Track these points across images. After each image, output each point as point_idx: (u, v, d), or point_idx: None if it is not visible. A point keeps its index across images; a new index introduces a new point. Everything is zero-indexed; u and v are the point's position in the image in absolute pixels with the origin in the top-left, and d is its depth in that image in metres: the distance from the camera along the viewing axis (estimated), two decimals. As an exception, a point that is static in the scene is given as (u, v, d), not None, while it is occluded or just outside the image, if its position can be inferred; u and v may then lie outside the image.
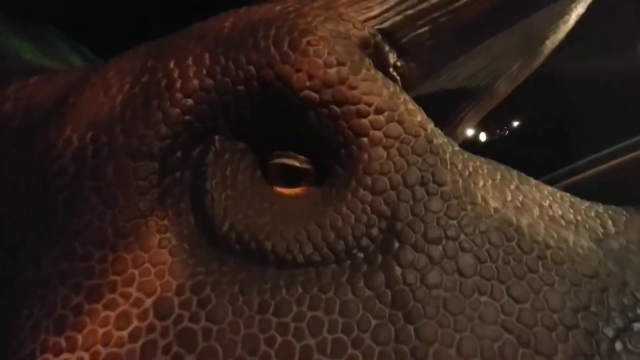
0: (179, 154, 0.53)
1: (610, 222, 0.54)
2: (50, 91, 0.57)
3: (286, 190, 0.56)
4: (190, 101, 0.53)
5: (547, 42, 0.93)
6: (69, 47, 1.09)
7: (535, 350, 0.42)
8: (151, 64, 0.56)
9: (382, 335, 0.43)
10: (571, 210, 0.54)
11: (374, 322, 0.44)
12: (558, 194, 0.57)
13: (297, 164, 0.55)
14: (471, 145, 0.71)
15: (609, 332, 0.43)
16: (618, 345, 0.43)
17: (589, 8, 0.91)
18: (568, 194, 0.58)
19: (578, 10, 0.88)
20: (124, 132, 0.52)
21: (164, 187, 0.52)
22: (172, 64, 0.55)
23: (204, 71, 0.53)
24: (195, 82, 0.53)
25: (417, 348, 0.42)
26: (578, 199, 0.58)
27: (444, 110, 0.96)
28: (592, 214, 0.55)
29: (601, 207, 0.57)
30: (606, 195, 0.61)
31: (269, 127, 0.56)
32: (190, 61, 0.54)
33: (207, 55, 0.54)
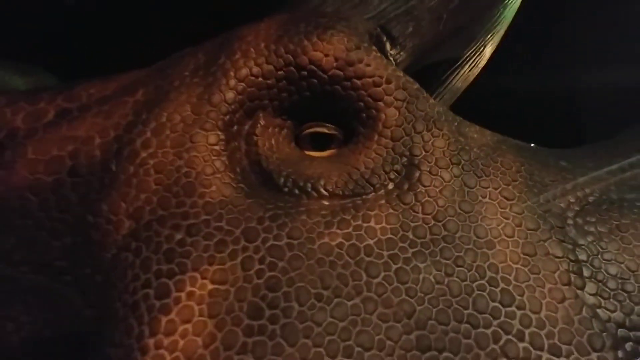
0: (235, 127, 0.67)
1: (558, 152, 0.75)
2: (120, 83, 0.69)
3: (318, 154, 0.71)
4: (242, 85, 0.67)
5: (488, 46, 1.18)
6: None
7: (526, 228, 0.59)
8: (203, 60, 0.70)
9: (420, 232, 0.59)
10: (532, 144, 0.74)
11: (412, 224, 0.59)
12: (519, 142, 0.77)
13: (326, 130, 0.71)
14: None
15: (571, 213, 0.62)
16: (579, 220, 0.61)
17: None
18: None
19: (508, 19, 1.15)
20: (193, 111, 0.65)
21: (229, 151, 0.65)
22: (222, 58, 0.69)
23: (252, 61, 0.68)
24: (245, 70, 0.67)
25: (447, 236, 0.58)
26: None
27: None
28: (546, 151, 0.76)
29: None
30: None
31: (301, 103, 0.71)
32: (238, 54, 0.69)
33: (252, 49, 0.69)
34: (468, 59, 1.18)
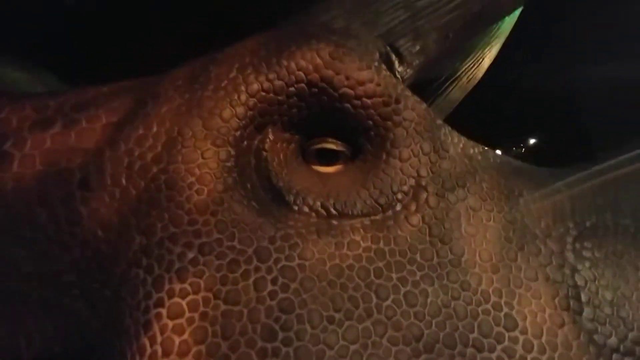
0: (245, 142, 0.67)
1: (558, 172, 0.77)
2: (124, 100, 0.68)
3: (324, 169, 0.72)
4: (253, 100, 0.67)
5: (486, 58, 1.20)
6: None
7: (529, 252, 0.62)
8: (215, 73, 0.70)
9: (428, 254, 0.60)
10: (533, 139, 0.76)
11: (420, 246, 0.61)
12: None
13: (334, 147, 0.72)
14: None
15: (570, 238, 0.65)
16: (577, 245, 0.64)
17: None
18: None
19: (506, 31, 1.17)
20: (205, 126, 0.65)
21: (239, 167, 0.65)
22: (234, 72, 0.69)
23: (263, 77, 0.68)
24: (257, 85, 0.67)
25: (453, 260, 0.60)
26: None
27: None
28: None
29: None
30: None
31: (310, 118, 0.71)
32: (250, 69, 0.68)
33: (263, 64, 0.68)
34: (466, 70, 1.20)
